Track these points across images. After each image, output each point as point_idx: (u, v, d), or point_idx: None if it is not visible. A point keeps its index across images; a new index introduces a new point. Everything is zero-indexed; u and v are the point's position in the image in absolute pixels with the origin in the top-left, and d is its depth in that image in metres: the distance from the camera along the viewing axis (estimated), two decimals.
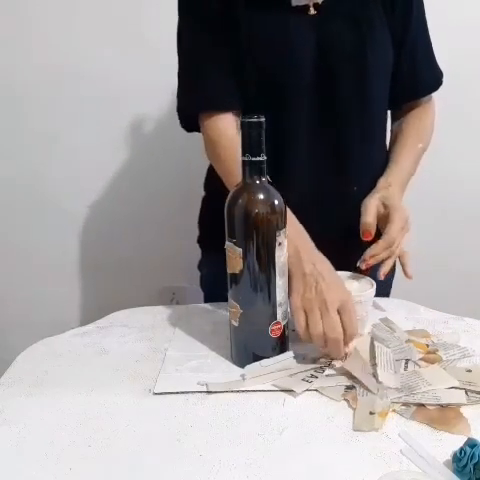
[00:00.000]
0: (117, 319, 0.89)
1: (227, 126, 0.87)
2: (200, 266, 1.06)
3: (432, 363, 0.70)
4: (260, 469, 0.54)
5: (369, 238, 0.82)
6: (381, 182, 0.88)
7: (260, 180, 0.68)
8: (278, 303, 0.70)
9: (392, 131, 0.98)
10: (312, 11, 0.85)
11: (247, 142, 0.66)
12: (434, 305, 0.89)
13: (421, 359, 0.71)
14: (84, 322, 0.88)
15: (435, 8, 0.96)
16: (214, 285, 1.04)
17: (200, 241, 1.04)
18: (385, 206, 0.84)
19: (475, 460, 0.50)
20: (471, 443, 0.52)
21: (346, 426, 0.60)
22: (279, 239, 0.68)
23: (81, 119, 1.49)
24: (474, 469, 0.50)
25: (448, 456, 0.54)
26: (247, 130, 0.66)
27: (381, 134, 0.95)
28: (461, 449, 0.52)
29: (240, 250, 0.68)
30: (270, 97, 0.86)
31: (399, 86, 0.93)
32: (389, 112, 0.99)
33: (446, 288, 1.59)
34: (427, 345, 0.75)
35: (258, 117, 0.66)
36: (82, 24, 1.42)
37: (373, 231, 0.83)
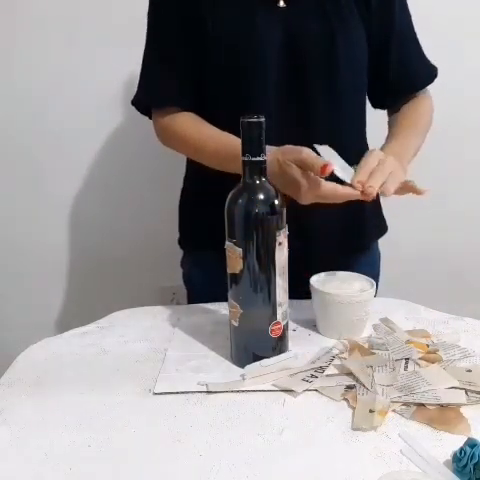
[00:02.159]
0: (117, 319, 0.89)
1: (177, 122, 0.89)
2: (182, 263, 1.08)
3: (432, 363, 0.70)
4: (260, 469, 0.54)
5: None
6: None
7: (260, 180, 0.68)
8: (278, 303, 0.70)
9: (388, 124, 0.96)
10: (282, 4, 0.84)
11: (247, 142, 0.66)
12: (434, 305, 0.89)
13: (421, 359, 0.71)
14: (84, 322, 0.88)
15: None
16: (195, 283, 1.06)
17: (180, 242, 1.06)
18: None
19: (475, 460, 0.50)
20: (471, 443, 0.52)
21: (346, 426, 0.60)
22: (279, 239, 0.68)
23: (81, 119, 1.50)
24: (474, 469, 0.50)
25: (448, 456, 0.54)
26: (247, 130, 0.66)
27: (353, 132, 0.93)
28: (461, 449, 0.52)
29: (240, 250, 0.68)
30: (236, 95, 0.86)
31: (391, 82, 0.93)
32: (385, 112, 0.98)
33: (446, 288, 1.60)
34: (427, 345, 0.75)
35: (258, 117, 0.66)
36: (84, 25, 1.42)
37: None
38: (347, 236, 0.96)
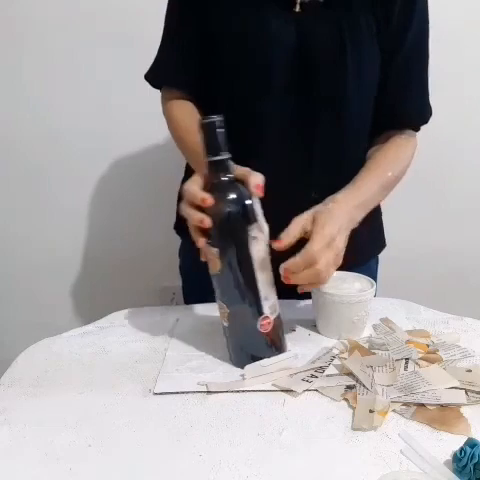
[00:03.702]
0: (117, 319, 0.89)
1: (176, 107, 0.92)
2: (179, 252, 1.08)
3: (432, 363, 0.70)
4: (260, 469, 0.54)
5: (277, 245, 0.70)
6: (327, 198, 0.79)
7: (225, 178, 0.68)
8: (263, 297, 0.69)
9: (366, 158, 0.93)
10: (297, 8, 0.83)
11: (206, 143, 0.67)
12: (434, 305, 0.89)
13: (421, 359, 0.71)
14: (84, 322, 0.88)
15: None
16: (188, 274, 1.06)
17: (176, 227, 1.06)
18: (313, 221, 0.74)
19: (475, 460, 0.50)
20: (471, 443, 0.52)
21: (346, 426, 0.60)
22: (253, 233, 0.67)
23: (82, 118, 1.50)
24: (474, 469, 0.50)
25: (448, 456, 0.54)
26: (205, 131, 0.66)
27: (354, 148, 0.91)
28: (461, 449, 0.52)
29: (216, 250, 0.68)
30: (242, 94, 0.86)
31: (380, 111, 0.90)
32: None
33: (446, 288, 1.60)
34: (427, 345, 0.75)
35: (214, 117, 0.66)
36: (84, 24, 1.42)
37: (286, 241, 0.70)
38: None
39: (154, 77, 0.94)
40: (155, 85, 0.95)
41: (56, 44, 1.44)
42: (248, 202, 0.67)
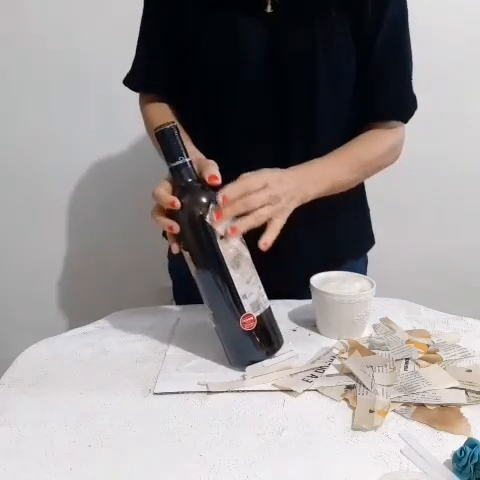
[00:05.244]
0: (117, 319, 0.89)
1: (152, 110, 0.94)
2: (168, 253, 1.06)
3: (432, 363, 0.70)
4: (260, 469, 0.54)
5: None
6: None
7: (188, 182, 0.68)
8: (242, 295, 0.68)
9: None
10: (269, 9, 0.82)
11: (164, 150, 0.68)
12: (434, 305, 0.89)
13: (421, 359, 0.71)
14: (84, 322, 0.88)
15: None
16: (177, 275, 1.06)
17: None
18: None
19: (475, 460, 0.50)
20: (471, 443, 0.52)
21: (346, 426, 0.60)
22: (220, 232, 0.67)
23: (81, 117, 1.50)
24: (474, 469, 0.50)
25: (448, 456, 0.54)
26: (160, 139, 0.68)
27: (330, 145, 0.88)
28: (461, 449, 0.52)
29: (187, 253, 0.69)
30: (214, 94, 0.86)
31: (361, 104, 0.88)
32: None
33: (446, 288, 1.60)
34: (427, 345, 0.75)
35: (167, 125, 0.67)
36: (84, 16, 1.42)
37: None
38: (323, 254, 0.93)
39: (131, 82, 0.96)
40: (133, 89, 0.97)
41: (56, 43, 1.44)
42: (210, 202, 0.67)
